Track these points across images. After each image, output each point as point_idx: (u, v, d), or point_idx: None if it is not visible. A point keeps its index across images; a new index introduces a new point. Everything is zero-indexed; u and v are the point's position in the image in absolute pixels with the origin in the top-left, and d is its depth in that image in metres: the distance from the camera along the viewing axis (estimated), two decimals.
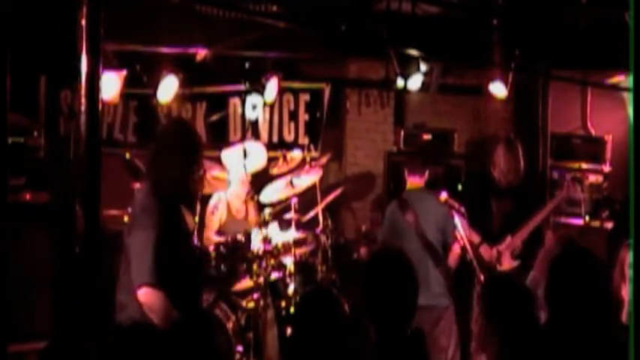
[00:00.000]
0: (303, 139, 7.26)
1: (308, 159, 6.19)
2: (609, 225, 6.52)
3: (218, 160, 5.89)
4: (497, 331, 2.92)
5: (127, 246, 3.53)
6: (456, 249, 5.33)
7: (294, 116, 7.31)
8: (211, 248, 5.18)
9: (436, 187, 5.47)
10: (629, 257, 3.71)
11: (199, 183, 3.82)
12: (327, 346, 2.86)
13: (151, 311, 3.50)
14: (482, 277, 4.70)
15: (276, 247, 5.45)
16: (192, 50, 6.59)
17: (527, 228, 5.42)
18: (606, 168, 6.93)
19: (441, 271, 5.34)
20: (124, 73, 5.55)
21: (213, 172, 5.53)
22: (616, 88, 6.95)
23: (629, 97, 6.57)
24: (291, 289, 5.44)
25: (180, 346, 3.31)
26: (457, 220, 5.04)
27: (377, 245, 5.86)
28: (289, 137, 7.30)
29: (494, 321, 2.96)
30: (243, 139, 6.45)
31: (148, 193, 3.63)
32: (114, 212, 5.15)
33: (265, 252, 5.26)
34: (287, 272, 5.47)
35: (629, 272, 3.76)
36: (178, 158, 3.66)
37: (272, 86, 6.26)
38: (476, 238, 5.45)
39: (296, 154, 6.25)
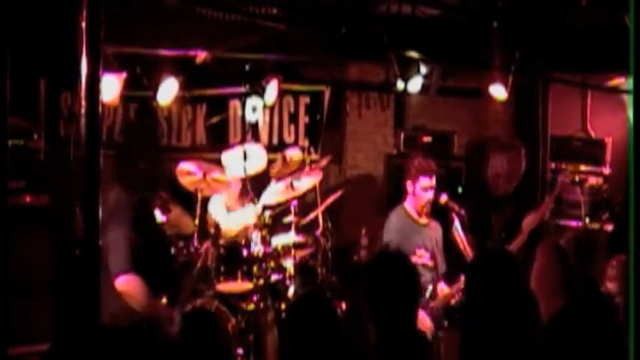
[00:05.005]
0: (303, 142, 7.25)
1: (308, 161, 6.19)
2: (609, 227, 6.51)
3: (218, 163, 5.88)
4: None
5: (104, 247, 3.60)
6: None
7: (294, 119, 7.30)
8: (211, 250, 5.19)
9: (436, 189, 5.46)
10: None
11: (165, 174, 4.08)
12: (318, 349, 2.86)
13: (131, 297, 3.71)
14: None
15: (276, 249, 5.46)
16: (192, 53, 6.59)
17: (522, 236, 5.41)
18: (606, 170, 6.92)
19: None
20: (124, 75, 5.55)
21: (213, 175, 5.53)
22: (616, 90, 6.94)
23: (629, 100, 6.57)
24: (291, 291, 5.44)
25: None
26: (457, 223, 5.04)
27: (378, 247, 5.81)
28: (289, 139, 7.28)
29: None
30: (243, 141, 6.44)
31: (119, 192, 3.88)
32: None
33: (265, 254, 5.26)
34: (287, 275, 5.48)
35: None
36: (145, 153, 4.00)
37: (272, 89, 6.25)
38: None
39: (295, 154, 6.24)
